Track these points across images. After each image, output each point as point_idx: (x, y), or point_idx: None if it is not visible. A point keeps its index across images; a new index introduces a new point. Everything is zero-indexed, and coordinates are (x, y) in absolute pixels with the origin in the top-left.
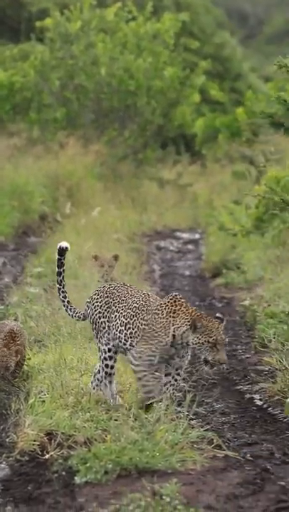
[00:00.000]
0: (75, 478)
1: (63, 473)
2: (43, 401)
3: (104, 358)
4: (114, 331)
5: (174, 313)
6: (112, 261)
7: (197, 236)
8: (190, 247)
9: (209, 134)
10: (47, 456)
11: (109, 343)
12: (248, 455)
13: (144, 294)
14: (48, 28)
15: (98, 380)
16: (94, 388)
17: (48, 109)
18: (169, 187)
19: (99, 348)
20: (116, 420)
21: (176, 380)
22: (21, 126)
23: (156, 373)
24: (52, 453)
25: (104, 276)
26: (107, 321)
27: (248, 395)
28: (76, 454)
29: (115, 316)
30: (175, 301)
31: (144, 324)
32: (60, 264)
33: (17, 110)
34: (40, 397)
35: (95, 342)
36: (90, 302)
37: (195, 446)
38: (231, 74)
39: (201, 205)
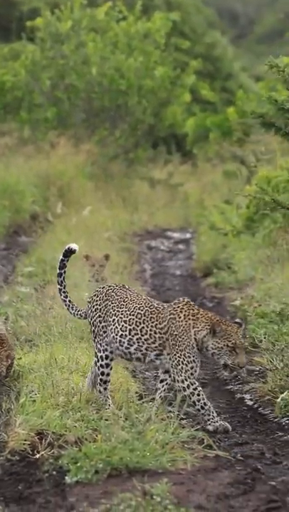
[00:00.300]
0: (66, 477)
1: (54, 472)
2: (34, 400)
3: (101, 365)
4: (114, 335)
5: (193, 316)
6: (103, 260)
7: (188, 236)
8: (181, 246)
9: (200, 134)
10: (38, 456)
11: (106, 349)
12: (239, 455)
13: (145, 298)
14: (39, 27)
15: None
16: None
17: (38, 108)
18: (160, 186)
19: (95, 353)
20: (106, 420)
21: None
22: (12, 126)
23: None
24: (42, 452)
25: (95, 276)
26: (107, 325)
27: (238, 395)
28: (67, 453)
29: (113, 320)
30: (190, 306)
31: (161, 333)
32: (63, 265)
33: (8, 110)
34: (30, 397)
35: (93, 344)
36: (90, 302)
37: (186, 446)
38: (222, 73)
39: (192, 204)
